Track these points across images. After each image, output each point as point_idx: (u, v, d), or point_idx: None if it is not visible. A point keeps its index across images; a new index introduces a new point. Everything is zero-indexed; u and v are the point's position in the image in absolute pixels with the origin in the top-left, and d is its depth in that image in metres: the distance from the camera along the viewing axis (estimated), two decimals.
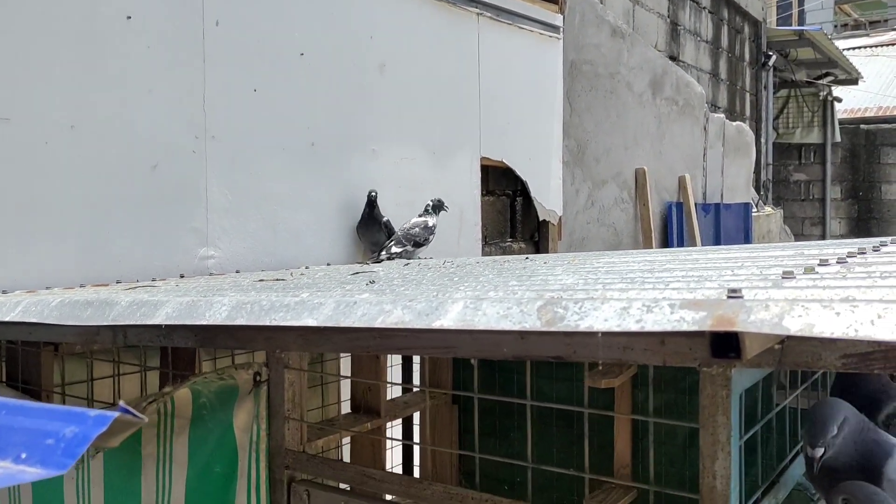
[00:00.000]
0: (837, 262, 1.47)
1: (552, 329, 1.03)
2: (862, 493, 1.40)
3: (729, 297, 0.98)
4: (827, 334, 0.83)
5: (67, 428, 0.65)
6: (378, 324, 1.19)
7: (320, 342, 1.42)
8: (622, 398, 2.04)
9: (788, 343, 1.02)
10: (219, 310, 1.36)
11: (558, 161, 5.09)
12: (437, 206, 3.57)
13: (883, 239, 2.26)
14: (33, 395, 2.03)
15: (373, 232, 3.47)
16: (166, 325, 1.42)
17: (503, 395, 2.35)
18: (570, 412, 2.20)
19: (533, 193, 4.84)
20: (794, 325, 0.85)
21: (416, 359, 2.62)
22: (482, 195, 4.40)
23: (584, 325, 1.00)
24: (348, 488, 1.77)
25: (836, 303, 0.87)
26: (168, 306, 1.43)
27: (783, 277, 1.22)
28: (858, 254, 1.67)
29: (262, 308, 1.32)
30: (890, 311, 0.82)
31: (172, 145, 2.78)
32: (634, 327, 0.96)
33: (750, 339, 0.92)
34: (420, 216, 3.54)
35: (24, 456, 0.66)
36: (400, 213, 3.57)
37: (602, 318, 1.00)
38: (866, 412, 1.71)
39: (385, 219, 3.48)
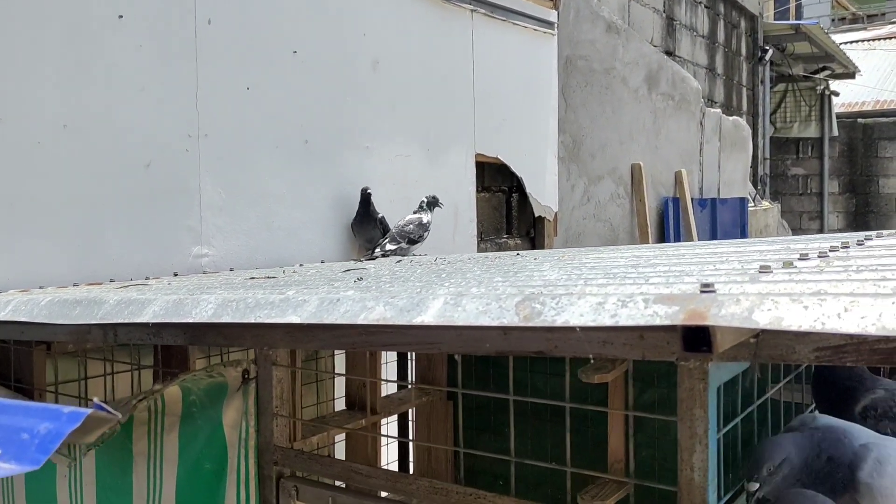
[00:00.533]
0: (818, 257, 1.48)
1: (530, 324, 1.05)
2: (802, 500, 1.40)
3: (702, 291, 1.00)
4: (794, 327, 0.85)
5: (42, 424, 0.66)
6: (360, 320, 1.20)
7: (306, 339, 1.44)
8: (615, 393, 2.05)
9: (763, 336, 1.03)
10: (205, 307, 1.37)
11: (554, 157, 5.09)
12: (432, 203, 3.58)
13: (869, 233, 2.27)
14: (26, 395, 2.04)
15: (368, 229, 3.47)
16: (154, 324, 1.43)
17: (498, 391, 2.36)
18: (565, 408, 2.21)
19: (528, 189, 4.84)
20: (764, 319, 0.87)
21: (413, 355, 2.63)
22: (478, 191, 4.40)
23: (560, 320, 1.02)
24: (343, 485, 1.78)
25: (806, 296, 0.88)
26: (155, 304, 1.44)
27: (760, 272, 1.23)
28: (841, 248, 1.68)
29: (248, 306, 1.33)
30: (856, 304, 0.83)
31: (165, 144, 2.79)
32: (609, 322, 0.98)
33: (721, 333, 0.93)
34: (415, 213, 3.54)
35: None
36: (395, 210, 3.58)
37: (578, 312, 1.01)
38: (843, 405, 1.71)
39: (380, 215, 3.48)
